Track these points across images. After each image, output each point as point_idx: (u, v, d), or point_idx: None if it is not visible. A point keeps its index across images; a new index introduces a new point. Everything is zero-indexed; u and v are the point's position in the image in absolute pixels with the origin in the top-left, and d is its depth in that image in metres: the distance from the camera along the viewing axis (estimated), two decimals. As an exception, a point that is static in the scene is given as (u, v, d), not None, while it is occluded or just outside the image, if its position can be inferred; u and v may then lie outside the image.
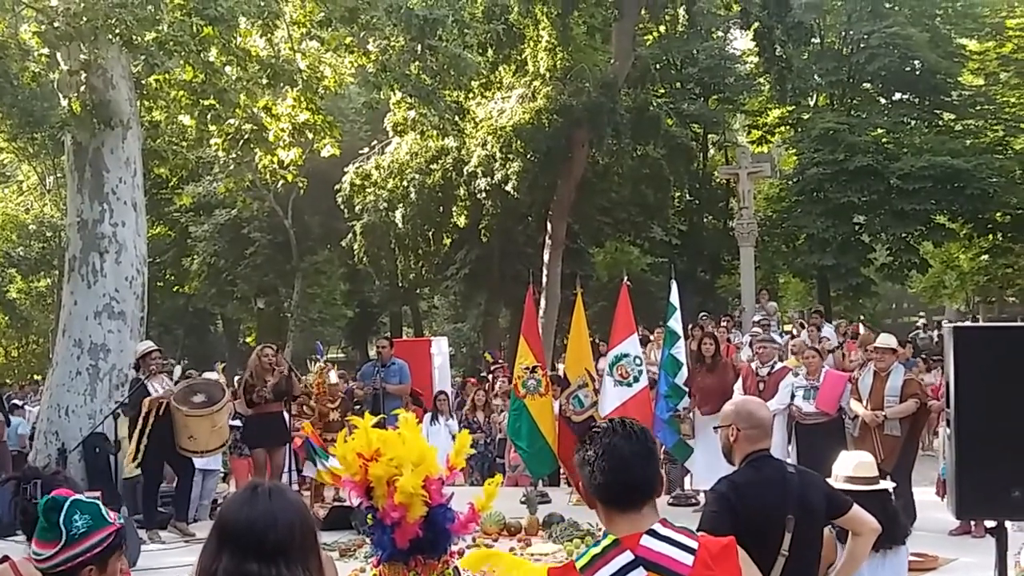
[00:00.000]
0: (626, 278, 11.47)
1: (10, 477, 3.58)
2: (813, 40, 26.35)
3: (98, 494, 3.00)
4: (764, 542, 3.43)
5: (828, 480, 4.61)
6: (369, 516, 3.30)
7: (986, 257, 29.79)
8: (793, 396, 9.78)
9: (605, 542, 2.59)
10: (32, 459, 10.90)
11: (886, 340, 9.57)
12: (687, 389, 10.49)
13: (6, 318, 29.65)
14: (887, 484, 4.91)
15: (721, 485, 3.78)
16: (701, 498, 9.26)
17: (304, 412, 10.41)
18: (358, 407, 11.17)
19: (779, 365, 10.30)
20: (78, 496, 2.88)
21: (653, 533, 2.55)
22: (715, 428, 4.20)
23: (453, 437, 11.77)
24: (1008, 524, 4.68)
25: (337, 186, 22.86)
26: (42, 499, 2.82)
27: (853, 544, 4.10)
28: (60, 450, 10.27)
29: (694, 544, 2.54)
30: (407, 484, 3.14)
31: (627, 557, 2.52)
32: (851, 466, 4.75)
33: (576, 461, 2.72)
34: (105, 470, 9.90)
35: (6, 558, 3.53)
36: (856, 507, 3.99)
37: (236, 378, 12.14)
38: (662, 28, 25.97)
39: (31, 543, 2.80)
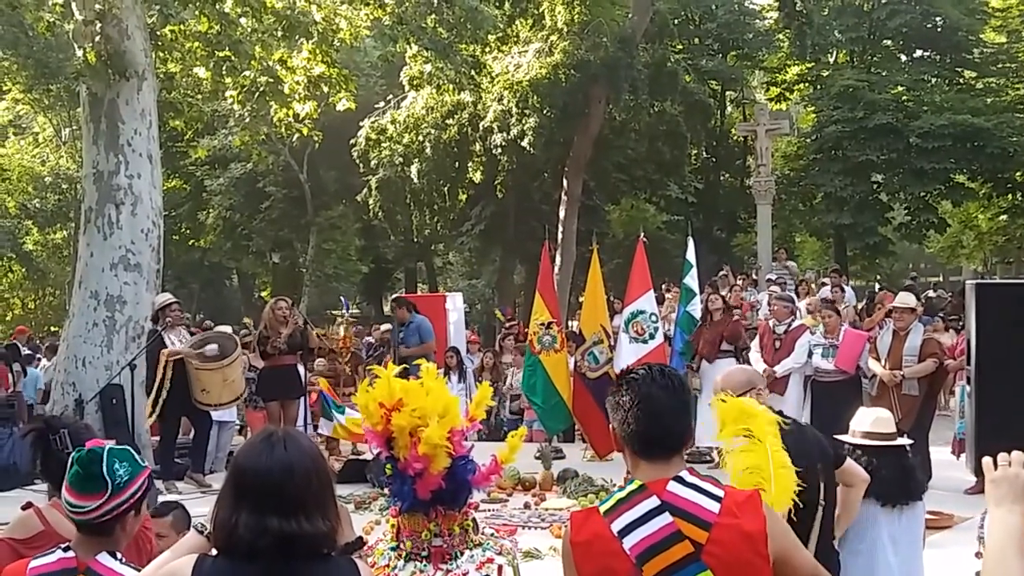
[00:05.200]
0: (642, 235, 11.42)
1: (32, 428, 3.58)
2: (834, -5, 26.08)
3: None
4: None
5: (844, 436, 4.66)
6: (388, 467, 3.29)
7: (1005, 217, 29.52)
8: (811, 354, 9.74)
9: (631, 487, 2.57)
10: (49, 409, 10.95)
11: (905, 299, 9.50)
12: (701, 346, 10.49)
13: (23, 270, 29.79)
14: (904, 440, 4.90)
15: None
16: (715, 456, 9.24)
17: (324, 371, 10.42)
18: (373, 362, 11.17)
19: (796, 323, 10.26)
20: (110, 445, 2.89)
21: (680, 480, 2.55)
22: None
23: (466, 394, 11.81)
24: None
25: (352, 140, 22.79)
26: (76, 452, 2.82)
27: (845, 494, 4.19)
28: (77, 401, 10.30)
29: (720, 492, 2.53)
30: (432, 435, 3.13)
31: (653, 502, 2.51)
32: (869, 421, 4.74)
33: (609, 403, 2.70)
34: (122, 421, 9.96)
35: (30, 504, 3.56)
36: (849, 459, 4.17)
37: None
38: (681, -18, 25.72)
39: (65, 494, 2.80)
